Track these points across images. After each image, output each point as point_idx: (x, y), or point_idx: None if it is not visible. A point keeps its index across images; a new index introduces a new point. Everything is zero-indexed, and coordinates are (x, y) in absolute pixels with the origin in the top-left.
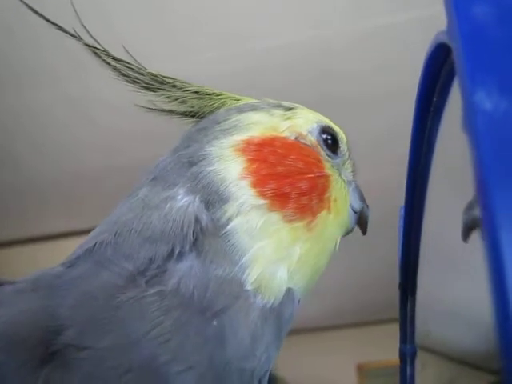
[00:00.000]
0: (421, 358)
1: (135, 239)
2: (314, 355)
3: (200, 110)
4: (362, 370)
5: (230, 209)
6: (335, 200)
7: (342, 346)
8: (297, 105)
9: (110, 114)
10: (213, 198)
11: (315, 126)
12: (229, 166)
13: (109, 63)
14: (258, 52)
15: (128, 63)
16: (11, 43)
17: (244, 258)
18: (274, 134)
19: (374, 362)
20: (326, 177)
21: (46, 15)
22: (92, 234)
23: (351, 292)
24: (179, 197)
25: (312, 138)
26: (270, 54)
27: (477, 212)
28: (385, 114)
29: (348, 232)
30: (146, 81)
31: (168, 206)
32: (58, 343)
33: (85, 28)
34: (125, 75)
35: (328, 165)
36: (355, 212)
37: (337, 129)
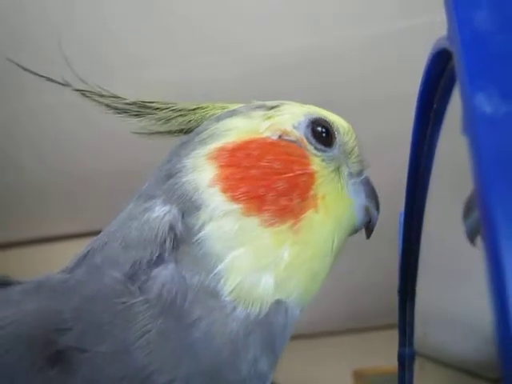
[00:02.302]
0: (418, 364)
1: (117, 247)
2: (310, 361)
3: (187, 126)
4: (359, 377)
5: (203, 215)
6: (324, 197)
7: (338, 353)
8: (284, 101)
9: (111, 118)
10: (187, 206)
11: (302, 119)
12: (201, 174)
13: (99, 101)
14: (259, 57)
15: (116, 97)
16: (13, 47)
17: (219, 267)
18: (252, 136)
19: (371, 369)
20: (310, 174)
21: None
22: (87, 244)
23: (348, 298)
24: (157, 208)
25: (297, 133)
26: (271, 60)
27: (476, 214)
28: (385, 120)
29: (357, 229)
30: (134, 109)
31: (146, 216)
32: (62, 344)
33: (74, 72)
34: (115, 108)
35: (316, 160)
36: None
37: (333, 119)
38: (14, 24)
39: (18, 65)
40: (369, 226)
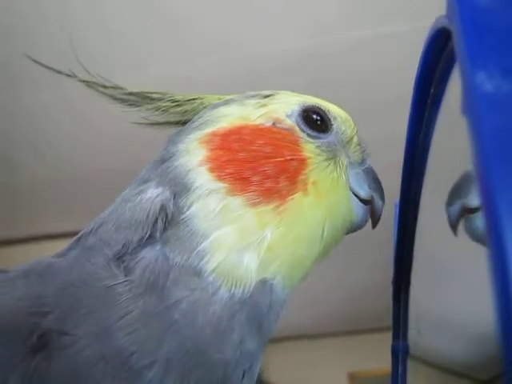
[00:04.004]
0: (412, 365)
1: (111, 228)
2: (305, 363)
3: (184, 117)
4: (354, 379)
5: (192, 196)
6: (315, 182)
7: (333, 355)
8: (279, 91)
9: (108, 117)
10: (179, 188)
11: (296, 107)
12: (192, 157)
13: (103, 92)
14: (258, 57)
15: (118, 87)
16: (9, 45)
17: (202, 245)
18: (244, 122)
19: (366, 371)
20: (301, 159)
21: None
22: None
23: (343, 300)
24: (150, 190)
25: (290, 121)
26: (271, 59)
27: (463, 202)
28: (383, 121)
29: (355, 226)
30: (132, 99)
31: (139, 197)
32: (43, 327)
33: (80, 63)
34: (116, 98)
35: (310, 146)
36: (362, 201)
37: (329, 107)
38: (12, 23)
39: (35, 60)
40: (374, 217)
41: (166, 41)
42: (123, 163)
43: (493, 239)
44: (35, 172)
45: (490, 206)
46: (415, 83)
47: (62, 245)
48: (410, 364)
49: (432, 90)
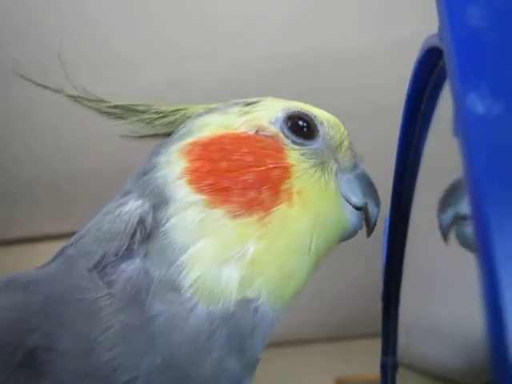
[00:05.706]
0: (400, 374)
1: (89, 240)
2: (292, 369)
3: (169, 128)
4: None
5: (171, 208)
6: (300, 191)
7: (321, 360)
8: (264, 98)
9: (101, 118)
10: (158, 200)
11: (280, 114)
12: (172, 169)
13: (89, 106)
14: (256, 60)
15: (102, 101)
16: (3, 50)
17: (180, 259)
18: (226, 131)
19: (353, 377)
20: (285, 167)
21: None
22: None
23: (331, 305)
24: (130, 202)
25: (273, 128)
26: (270, 62)
27: (455, 209)
28: (388, 125)
29: (349, 234)
30: (118, 112)
31: (119, 210)
32: (30, 344)
33: (71, 82)
34: (102, 112)
35: (294, 153)
36: (357, 208)
37: (316, 113)
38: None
39: (29, 78)
40: (368, 224)
41: (162, 43)
42: (119, 164)
43: (482, 256)
44: (30, 173)
45: (482, 227)
46: (406, 99)
47: (57, 246)
48: (399, 371)
49: (423, 106)
